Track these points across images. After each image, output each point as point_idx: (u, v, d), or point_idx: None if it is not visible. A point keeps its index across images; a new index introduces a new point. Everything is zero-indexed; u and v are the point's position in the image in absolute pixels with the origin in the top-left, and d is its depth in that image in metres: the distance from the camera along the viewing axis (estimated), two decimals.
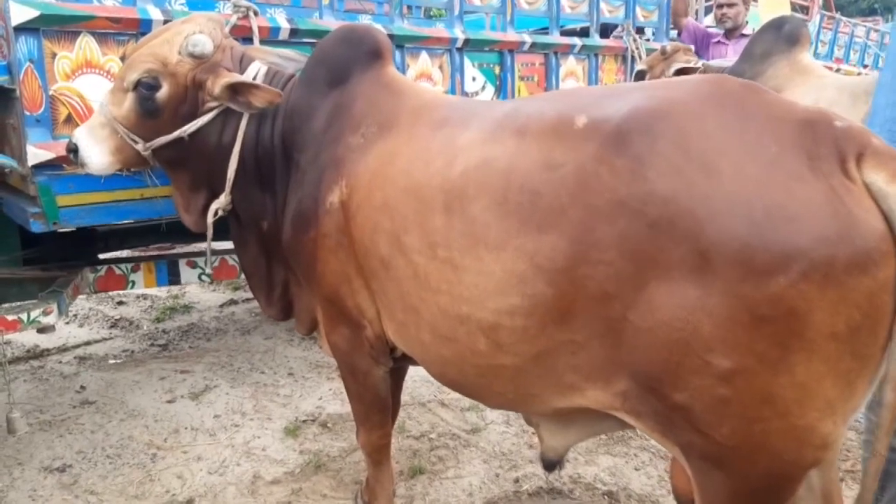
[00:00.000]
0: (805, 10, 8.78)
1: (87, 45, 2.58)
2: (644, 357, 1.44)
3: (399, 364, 2.30)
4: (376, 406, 2.28)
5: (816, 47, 8.72)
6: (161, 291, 5.13)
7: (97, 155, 2.28)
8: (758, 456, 1.41)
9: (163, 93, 2.22)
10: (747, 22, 4.85)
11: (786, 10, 8.36)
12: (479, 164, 1.65)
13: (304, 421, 3.31)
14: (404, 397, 3.21)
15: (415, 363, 2.25)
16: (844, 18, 9.36)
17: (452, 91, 3.70)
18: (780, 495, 1.47)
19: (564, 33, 4.35)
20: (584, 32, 4.53)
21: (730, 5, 4.70)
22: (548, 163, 1.53)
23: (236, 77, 2.18)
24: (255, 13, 2.89)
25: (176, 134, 2.24)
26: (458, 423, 3.28)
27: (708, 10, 9.30)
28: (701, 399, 1.40)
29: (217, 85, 2.16)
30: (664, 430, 1.51)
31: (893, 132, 2.04)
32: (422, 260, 1.74)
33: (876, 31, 10.42)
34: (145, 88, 2.22)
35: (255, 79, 2.27)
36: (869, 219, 1.27)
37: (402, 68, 3.45)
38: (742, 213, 1.30)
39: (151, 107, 2.24)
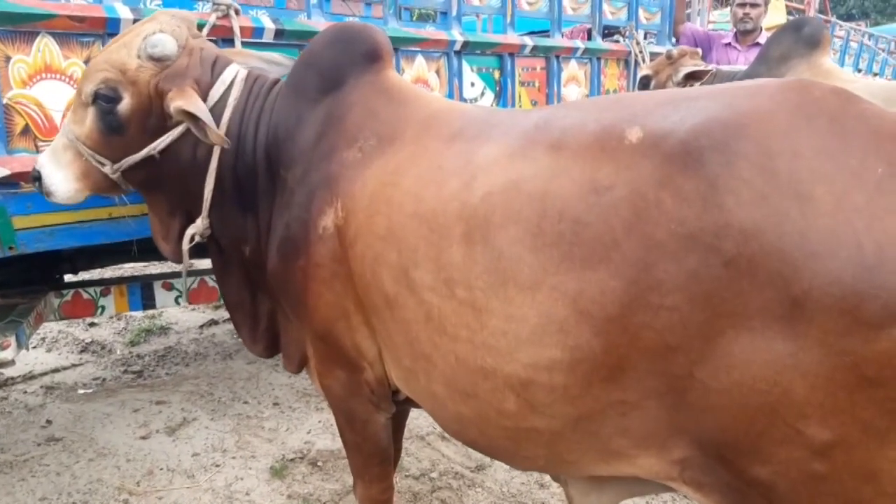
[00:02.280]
0: (801, 13, 8.65)
1: (46, 47, 2.30)
2: (716, 422, 1.19)
3: (402, 407, 2.03)
4: (377, 457, 2.00)
5: None
6: (136, 311, 4.81)
7: (61, 182, 1.99)
8: None
9: (124, 105, 1.90)
10: (762, 29, 4.63)
11: (781, 14, 8.24)
12: (507, 186, 1.38)
13: (291, 459, 3.02)
14: None
15: (419, 406, 1.98)
16: (840, 22, 9.23)
17: (450, 97, 3.44)
18: None
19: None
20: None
21: (753, 5, 4.49)
22: (593, 185, 1.27)
23: (191, 105, 1.84)
24: (237, 12, 2.62)
25: (145, 152, 1.92)
26: (460, 458, 3.01)
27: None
28: (788, 475, 1.15)
29: (172, 106, 1.86)
30: None
31: None
32: (436, 300, 1.47)
33: (869, 34, 10.31)
34: (105, 101, 1.91)
35: (232, 83, 1.99)
36: None
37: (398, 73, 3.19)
38: (846, 251, 1.04)
39: (114, 122, 1.92)
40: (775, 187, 1.10)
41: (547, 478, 2.79)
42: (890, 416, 1.07)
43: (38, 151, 2.31)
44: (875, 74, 9.87)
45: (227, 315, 4.75)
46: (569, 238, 1.27)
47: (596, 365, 1.27)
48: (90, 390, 3.71)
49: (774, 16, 7.77)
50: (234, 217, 2.03)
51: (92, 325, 4.70)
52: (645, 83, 4.00)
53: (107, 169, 1.96)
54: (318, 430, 3.27)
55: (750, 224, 1.10)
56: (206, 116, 1.83)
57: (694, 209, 1.15)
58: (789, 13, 8.84)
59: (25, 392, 3.69)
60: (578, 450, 1.40)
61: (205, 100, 1.93)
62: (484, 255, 1.38)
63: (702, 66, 3.81)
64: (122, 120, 1.91)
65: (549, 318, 1.30)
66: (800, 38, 3.34)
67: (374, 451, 1.99)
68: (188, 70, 1.94)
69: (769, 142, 1.13)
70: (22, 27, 2.22)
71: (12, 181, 2.26)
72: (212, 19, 2.54)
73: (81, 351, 4.27)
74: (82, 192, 2.03)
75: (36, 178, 2.02)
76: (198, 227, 2.03)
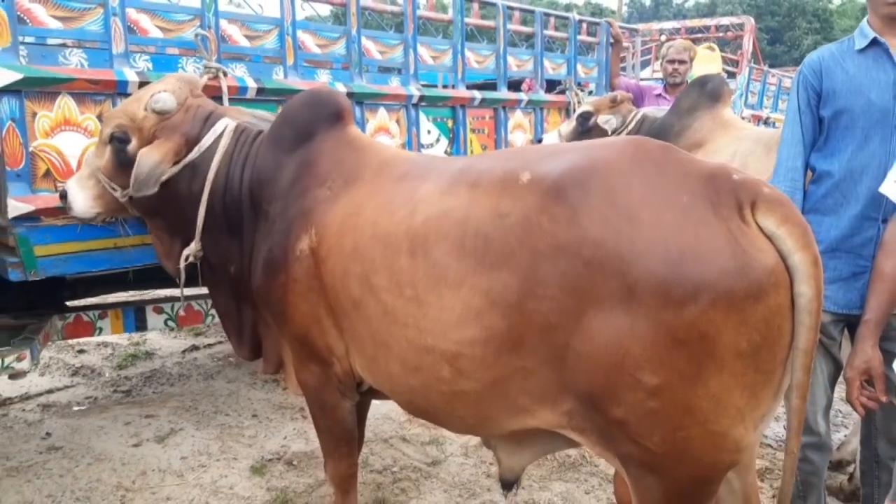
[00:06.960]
0: (736, 63, 9.40)
1: (65, 104, 2.76)
2: (586, 378, 1.67)
3: (364, 398, 2.48)
4: (344, 438, 2.44)
5: (747, 98, 9.32)
6: (122, 339, 5.18)
7: (81, 200, 2.57)
8: (683, 460, 1.64)
9: (133, 146, 2.46)
10: (688, 81, 5.23)
11: (717, 65, 8.93)
12: (440, 214, 1.88)
13: (269, 460, 3.43)
14: (367, 434, 3.36)
15: (378, 397, 2.43)
16: (772, 70, 10.04)
17: (409, 143, 3.95)
18: (704, 494, 1.70)
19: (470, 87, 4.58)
20: (487, 87, 4.80)
21: (681, 62, 5.11)
22: (498, 212, 1.76)
23: (144, 153, 2.40)
24: (225, 74, 3.11)
25: None
26: (419, 456, 3.45)
27: (644, 65, 9.89)
28: (635, 412, 1.63)
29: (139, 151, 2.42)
30: (605, 443, 1.73)
31: (795, 181, 2.37)
32: (390, 298, 1.94)
33: None
34: (118, 142, 2.49)
35: (222, 134, 2.50)
36: (760, 256, 1.53)
37: (362, 122, 3.69)
38: (660, 253, 1.55)
39: (124, 158, 2.48)
40: (615, 212, 1.61)
41: (492, 469, 3.24)
42: (696, 365, 1.56)
43: (57, 191, 2.76)
44: None
45: (207, 341, 5.16)
46: (481, 250, 1.76)
47: (503, 340, 1.75)
48: (84, 407, 4.08)
49: (711, 66, 8.46)
50: (222, 241, 2.52)
51: (81, 351, 5.05)
52: (586, 117, 4.41)
53: (118, 194, 2.52)
54: (293, 436, 3.68)
55: (599, 237, 1.60)
56: (145, 169, 2.37)
57: (562, 227, 1.65)
58: (726, 63, 9.60)
59: (24, 410, 4.04)
60: (496, 407, 1.87)
61: (192, 148, 2.48)
62: (424, 264, 1.87)
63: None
64: (130, 157, 2.46)
65: (469, 307, 1.78)
66: (704, 93, 3.93)
67: (342, 432, 2.44)
68: (181, 125, 2.49)
69: (611, 181, 1.65)
70: (47, 89, 2.68)
71: (35, 216, 2.69)
72: (203, 80, 3.03)
73: (73, 374, 4.63)
74: (94, 209, 2.60)
75: (63, 195, 2.58)
76: (192, 249, 2.52)
